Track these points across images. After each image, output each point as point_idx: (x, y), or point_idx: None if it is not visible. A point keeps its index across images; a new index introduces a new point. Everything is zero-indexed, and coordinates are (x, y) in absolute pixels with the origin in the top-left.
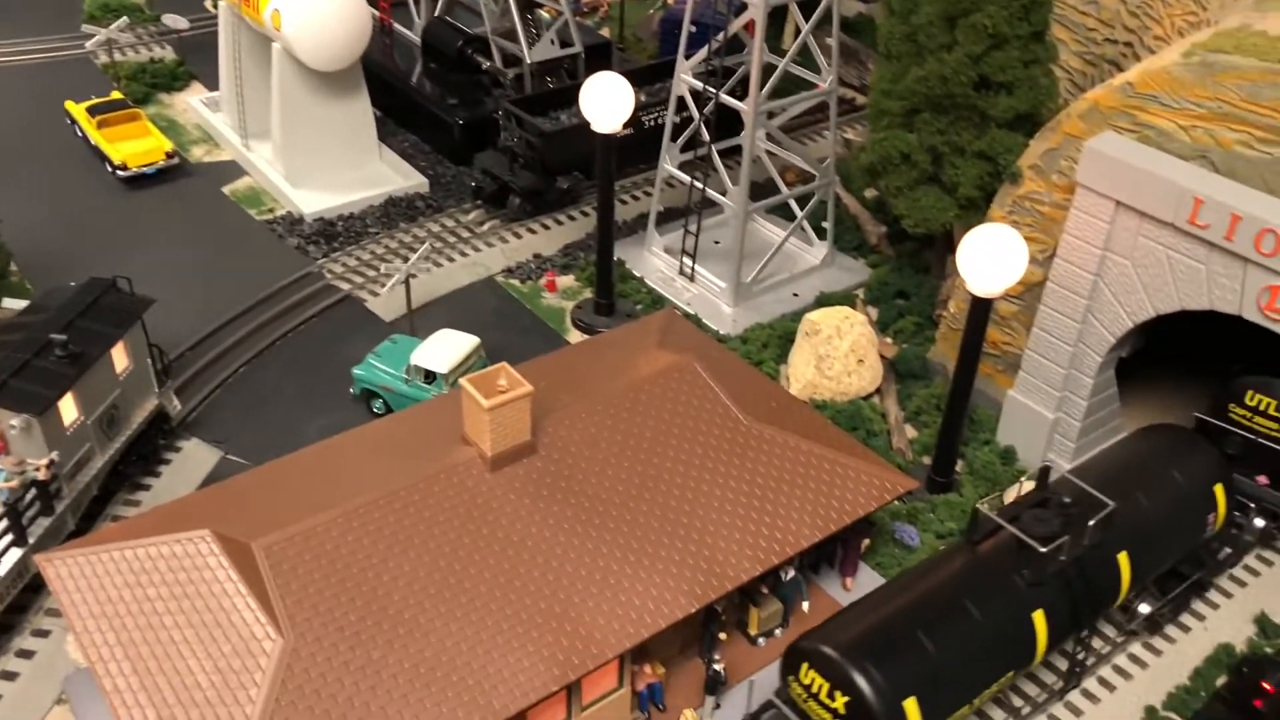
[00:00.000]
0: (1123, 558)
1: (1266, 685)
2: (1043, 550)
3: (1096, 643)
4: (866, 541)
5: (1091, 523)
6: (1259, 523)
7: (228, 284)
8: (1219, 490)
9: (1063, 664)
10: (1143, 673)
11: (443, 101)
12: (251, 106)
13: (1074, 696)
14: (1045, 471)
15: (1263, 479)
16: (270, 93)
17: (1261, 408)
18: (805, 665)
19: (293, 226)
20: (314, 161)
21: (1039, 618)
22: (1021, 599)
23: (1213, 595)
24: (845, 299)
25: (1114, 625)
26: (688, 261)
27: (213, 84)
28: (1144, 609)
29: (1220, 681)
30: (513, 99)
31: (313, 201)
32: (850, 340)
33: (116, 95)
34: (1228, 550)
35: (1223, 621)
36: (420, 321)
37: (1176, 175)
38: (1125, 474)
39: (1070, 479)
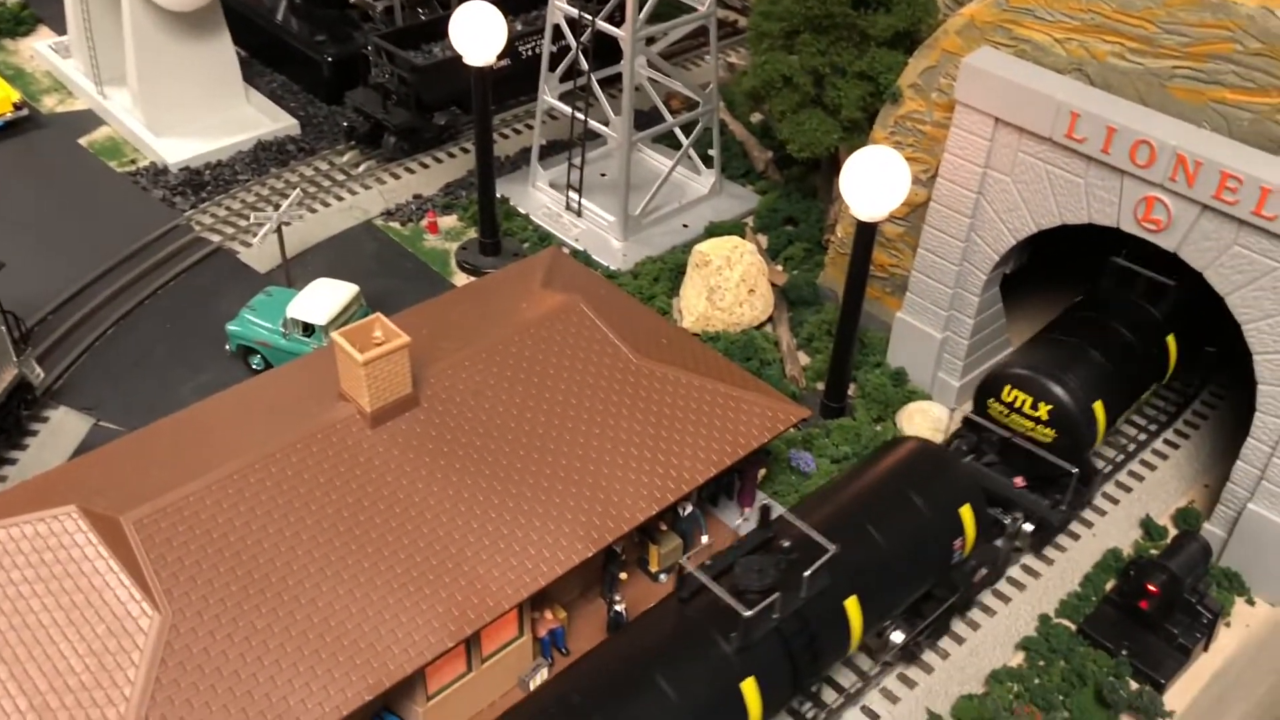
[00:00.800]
0: (851, 604)
1: (1151, 587)
2: (746, 614)
3: (848, 680)
4: (763, 471)
5: (807, 574)
6: (1028, 528)
7: (90, 242)
8: (966, 513)
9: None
10: (1035, 582)
11: (310, 38)
12: (104, 51)
13: (971, 611)
14: (765, 511)
15: (1020, 481)
16: (123, 36)
17: (1018, 404)
18: None
19: (157, 178)
20: (176, 107)
21: (749, 687)
22: (728, 667)
23: (1099, 502)
24: (735, 228)
25: (870, 656)
26: (574, 196)
27: (61, 28)
28: (897, 637)
29: (1109, 586)
30: (382, 33)
31: (177, 150)
32: (740, 270)
33: None
34: (983, 572)
35: (1110, 526)
36: (297, 271)
37: (1053, 89)
38: (859, 505)
39: (789, 519)
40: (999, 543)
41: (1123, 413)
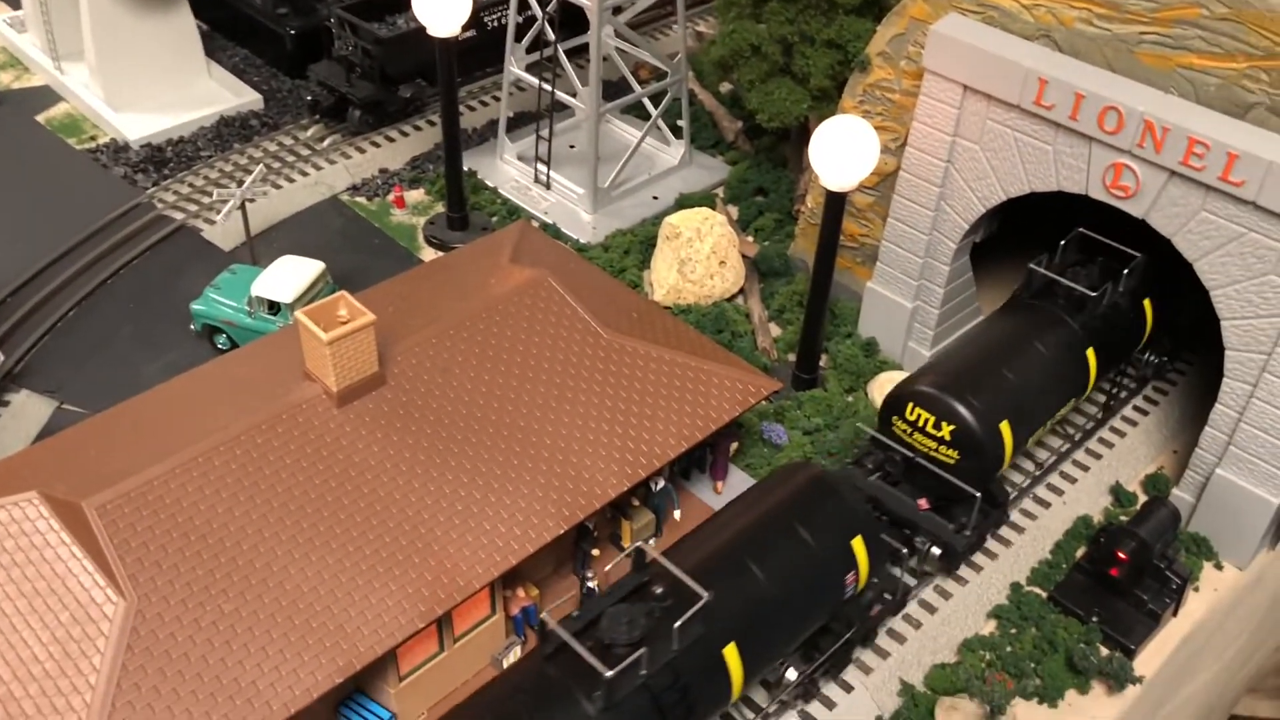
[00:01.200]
0: (730, 653)
1: (1121, 554)
2: (607, 674)
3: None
4: (735, 444)
5: (678, 625)
6: (936, 551)
7: (49, 222)
8: (858, 545)
9: None
10: (1007, 550)
11: (272, 11)
12: (60, 25)
13: (943, 581)
14: (639, 555)
15: (923, 503)
16: (80, 9)
17: (921, 423)
18: None
19: (118, 154)
20: (135, 83)
21: None
22: None
23: (1069, 469)
24: (705, 199)
25: (766, 691)
26: (542, 168)
27: (16, 2)
28: (791, 675)
29: (1080, 553)
30: (345, 4)
31: (138, 126)
32: (711, 242)
33: None
34: (882, 604)
35: (1080, 494)
36: (262, 248)
37: (1021, 56)
38: (742, 541)
39: (662, 563)
40: (903, 569)
41: (1034, 433)
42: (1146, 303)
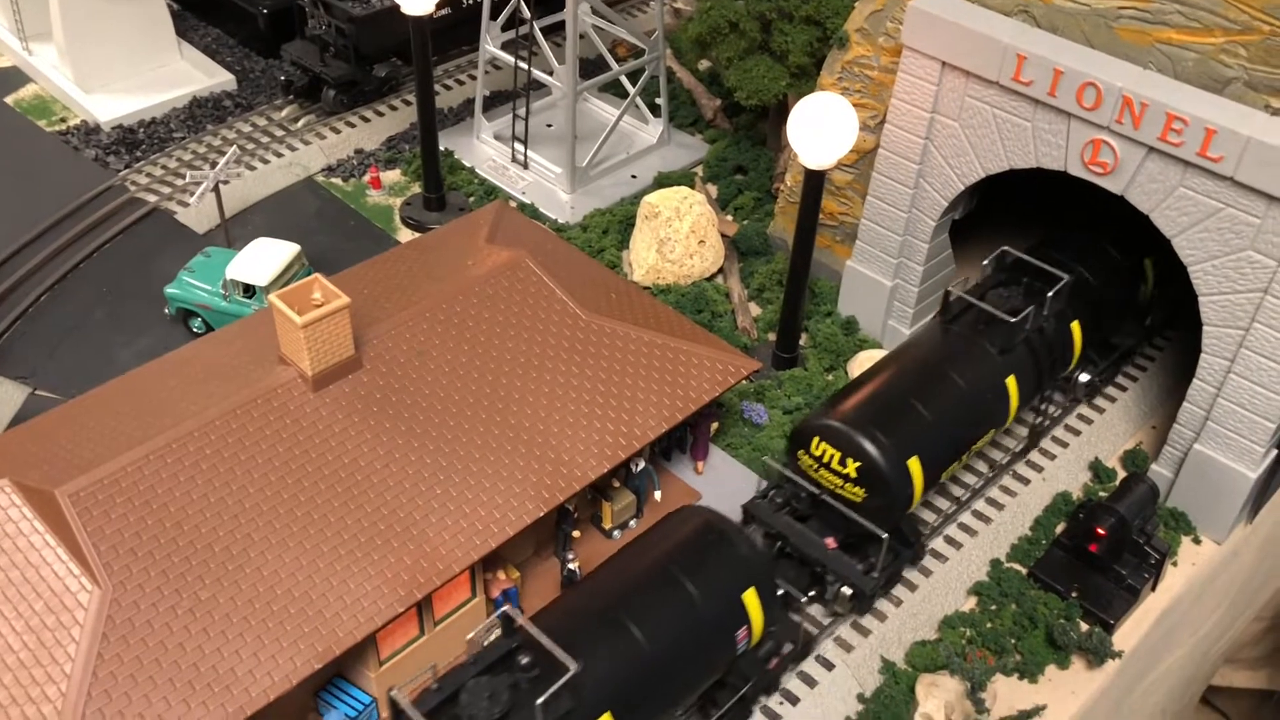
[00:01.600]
0: None
1: (1100, 530)
2: None
3: None
4: (716, 424)
5: (540, 701)
6: (847, 591)
7: (20, 205)
8: (750, 598)
9: None
10: (987, 527)
11: None
12: (28, 5)
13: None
14: (508, 621)
15: (831, 542)
16: None
17: (826, 459)
18: None
19: (89, 136)
20: (105, 63)
21: None
22: None
23: (1049, 445)
24: (684, 178)
25: None
26: (519, 148)
27: None
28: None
29: (1059, 529)
30: None
31: (109, 107)
32: (690, 221)
33: None
34: (782, 652)
35: (1060, 470)
36: (237, 231)
37: (999, 32)
38: (623, 598)
39: (528, 629)
40: (801, 614)
41: (948, 468)
42: (1075, 325)
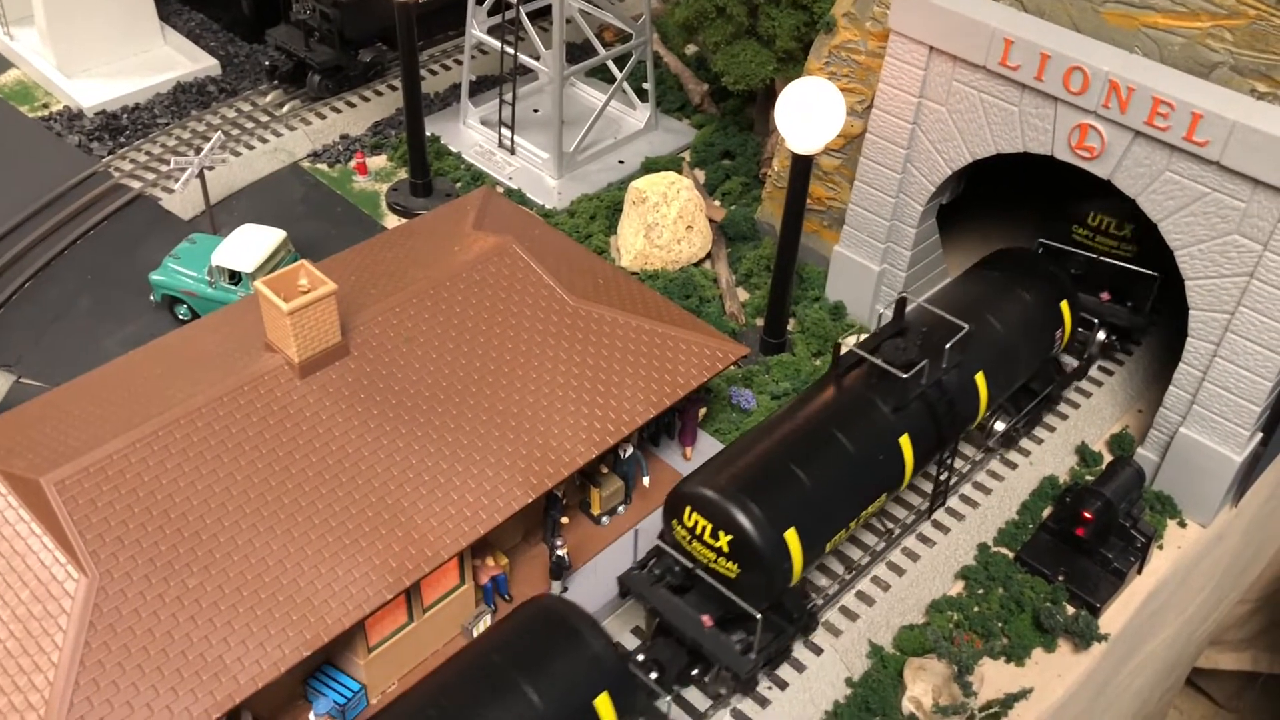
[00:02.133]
0: None
1: (1086, 514)
2: None
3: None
4: (703, 410)
5: None
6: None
7: (2, 192)
8: (603, 705)
9: None
10: (974, 511)
11: None
12: None
13: (909, 541)
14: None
15: (708, 619)
16: None
17: (698, 530)
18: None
19: (72, 122)
20: (88, 48)
21: None
22: None
23: (1036, 430)
24: (671, 163)
25: None
26: (506, 133)
27: None
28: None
29: (1046, 513)
30: None
31: (92, 93)
32: (678, 206)
33: None
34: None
35: (1046, 454)
36: (222, 217)
37: (986, 16)
38: (455, 713)
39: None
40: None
41: (833, 539)
42: (979, 377)
